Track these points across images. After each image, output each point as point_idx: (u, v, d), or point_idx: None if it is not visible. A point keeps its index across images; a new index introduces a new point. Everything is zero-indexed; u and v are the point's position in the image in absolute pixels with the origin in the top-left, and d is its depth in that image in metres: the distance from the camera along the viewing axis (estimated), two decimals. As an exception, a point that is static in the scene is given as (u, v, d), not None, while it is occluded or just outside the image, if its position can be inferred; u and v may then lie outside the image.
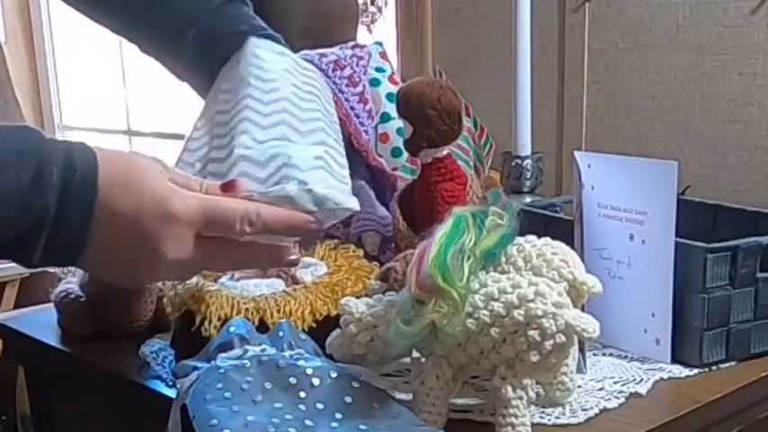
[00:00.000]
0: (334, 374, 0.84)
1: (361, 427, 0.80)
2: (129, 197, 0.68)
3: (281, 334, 0.88)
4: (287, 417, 0.80)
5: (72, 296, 1.15)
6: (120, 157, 0.71)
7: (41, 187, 0.65)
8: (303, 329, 0.94)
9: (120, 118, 3.41)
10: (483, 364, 0.83)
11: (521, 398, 0.81)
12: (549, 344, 0.79)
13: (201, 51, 0.95)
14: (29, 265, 0.69)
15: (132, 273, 0.73)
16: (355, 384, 0.84)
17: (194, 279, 1.02)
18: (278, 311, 0.96)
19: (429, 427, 0.82)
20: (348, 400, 0.83)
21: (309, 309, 0.98)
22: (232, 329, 0.88)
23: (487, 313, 0.80)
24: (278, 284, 1.03)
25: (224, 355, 0.85)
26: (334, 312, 0.96)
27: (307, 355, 0.86)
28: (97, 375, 1.08)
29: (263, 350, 0.85)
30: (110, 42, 3.08)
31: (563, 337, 0.79)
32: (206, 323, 0.95)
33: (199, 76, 0.97)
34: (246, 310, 0.96)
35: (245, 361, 0.84)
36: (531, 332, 0.79)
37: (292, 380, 0.83)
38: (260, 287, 1.01)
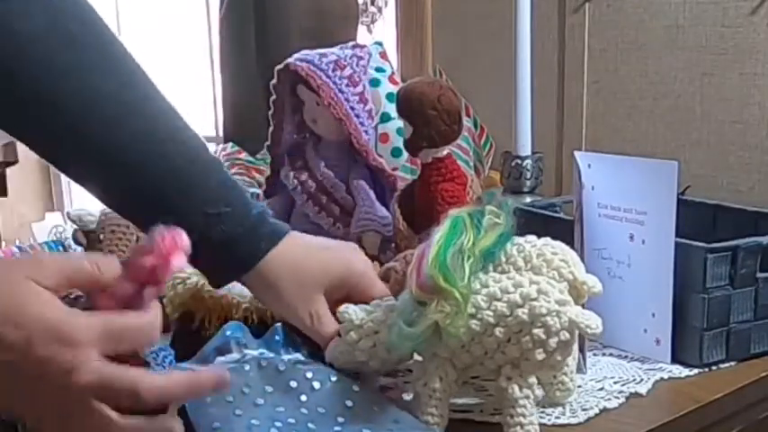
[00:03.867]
0: (333, 378, 0.84)
1: (364, 431, 0.80)
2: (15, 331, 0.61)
3: (276, 337, 0.87)
4: (289, 420, 0.79)
5: (72, 296, 1.15)
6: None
7: None
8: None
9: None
10: (487, 365, 0.82)
11: (528, 397, 0.81)
12: (554, 341, 0.79)
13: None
14: None
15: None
16: (355, 388, 0.84)
17: (194, 279, 1.02)
18: (278, 311, 0.96)
19: (430, 430, 0.82)
20: (349, 403, 0.82)
21: (309, 309, 0.97)
22: (229, 332, 0.87)
23: (491, 313, 0.80)
24: (278, 285, 1.02)
25: (222, 358, 0.84)
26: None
27: (304, 359, 0.86)
28: (97, 376, 1.08)
29: (261, 353, 0.85)
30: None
31: (567, 334, 0.79)
32: (206, 323, 0.95)
33: None
34: (246, 309, 0.96)
35: (245, 364, 0.83)
36: (536, 330, 0.79)
37: (293, 383, 0.82)
38: (260, 287, 1.01)
